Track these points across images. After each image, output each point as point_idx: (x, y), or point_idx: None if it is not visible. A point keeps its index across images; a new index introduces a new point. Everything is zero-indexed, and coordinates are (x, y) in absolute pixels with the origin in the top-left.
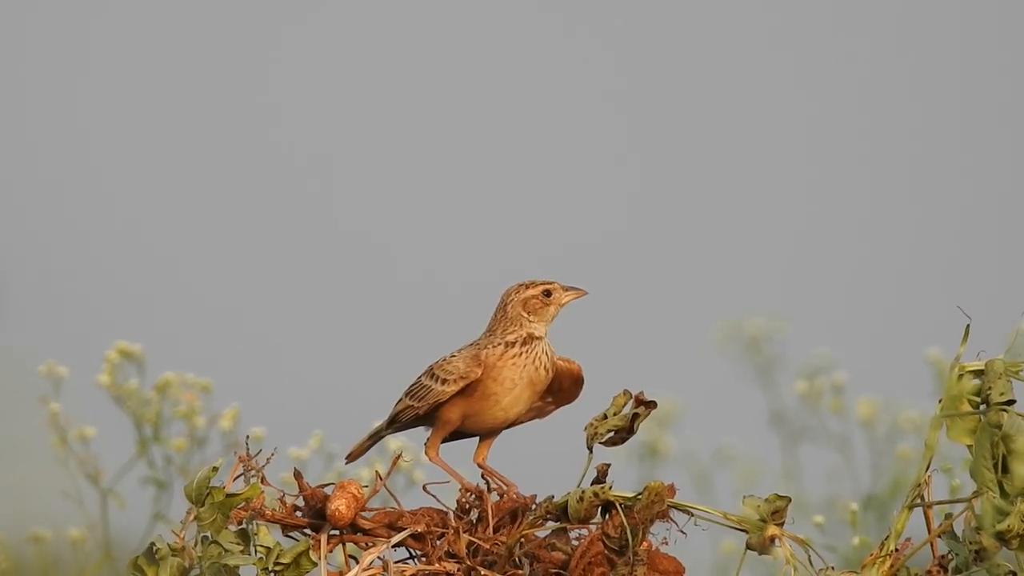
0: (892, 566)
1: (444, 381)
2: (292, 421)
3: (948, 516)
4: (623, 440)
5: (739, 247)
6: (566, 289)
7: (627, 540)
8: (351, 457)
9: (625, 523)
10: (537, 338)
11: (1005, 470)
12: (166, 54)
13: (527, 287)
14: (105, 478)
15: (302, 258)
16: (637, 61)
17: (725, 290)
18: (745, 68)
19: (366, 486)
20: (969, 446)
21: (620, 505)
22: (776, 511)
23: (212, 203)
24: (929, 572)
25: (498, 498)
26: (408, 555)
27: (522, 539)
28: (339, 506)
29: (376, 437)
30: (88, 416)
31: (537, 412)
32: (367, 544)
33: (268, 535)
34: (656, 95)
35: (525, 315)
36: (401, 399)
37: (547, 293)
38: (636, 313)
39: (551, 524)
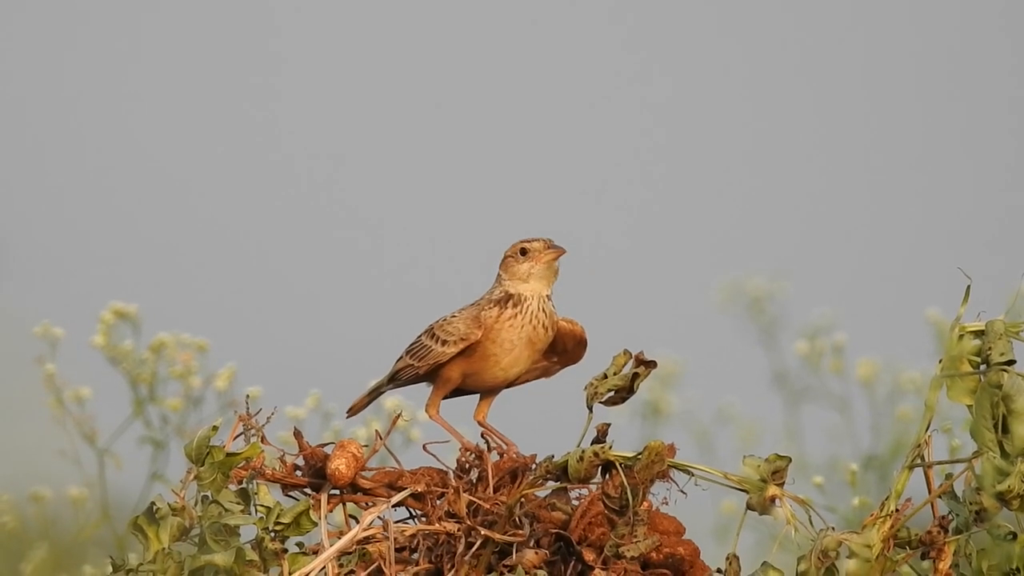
0: (892, 526)
1: (444, 342)
2: (289, 380)
3: (948, 476)
4: (623, 399)
5: (742, 208)
6: (549, 247)
7: (627, 500)
8: (351, 411)
9: (625, 483)
10: (521, 296)
11: (1005, 430)
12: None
13: (513, 245)
14: (101, 438)
15: (295, 219)
16: (637, 36)
17: (727, 250)
18: (748, 31)
19: (365, 445)
20: (969, 406)
21: (620, 465)
22: (776, 471)
23: (207, 166)
24: (929, 532)
25: (498, 457)
26: (408, 515)
27: (522, 499)
28: (339, 465)
29: (376, 392)
30: (84, 377)
31: (543, 371)
32: (367, 504)
33: (268, 494)
34: (658, 59)
35: (502, 274)
36: (402, 357)
37: (523, 251)
38: (639, 273)
39: (551, 484)
